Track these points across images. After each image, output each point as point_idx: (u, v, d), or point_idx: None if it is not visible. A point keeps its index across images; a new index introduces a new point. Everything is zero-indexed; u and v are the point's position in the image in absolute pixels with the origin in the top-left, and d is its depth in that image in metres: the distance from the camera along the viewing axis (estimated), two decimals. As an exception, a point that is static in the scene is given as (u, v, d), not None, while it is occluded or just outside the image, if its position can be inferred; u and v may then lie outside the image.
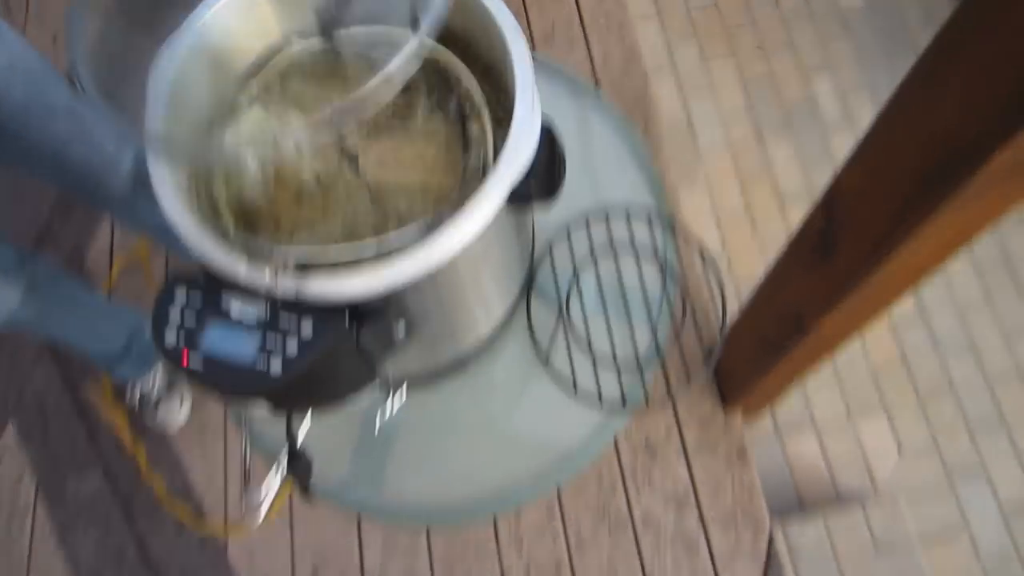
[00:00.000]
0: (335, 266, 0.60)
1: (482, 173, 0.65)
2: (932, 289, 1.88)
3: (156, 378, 1.50)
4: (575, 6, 1.96)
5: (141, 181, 1.21)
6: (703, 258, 0.95)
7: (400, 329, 0.66)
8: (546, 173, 0.71)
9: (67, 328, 1.28)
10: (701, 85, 2.14)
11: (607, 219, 0.94)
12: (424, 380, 0.83)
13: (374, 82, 0.52)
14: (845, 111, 2.09)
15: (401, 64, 0.53)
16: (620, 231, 0.93)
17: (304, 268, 0.62)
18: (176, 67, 0.66)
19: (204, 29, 0.68)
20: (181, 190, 0.63)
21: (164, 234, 1.30)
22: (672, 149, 2.05)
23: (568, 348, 0.85)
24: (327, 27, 0.71)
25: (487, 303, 0.79)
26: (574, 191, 0.98)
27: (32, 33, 2.17)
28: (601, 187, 0.98)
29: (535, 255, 0.91)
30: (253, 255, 0.62)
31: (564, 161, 0.73)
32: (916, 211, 0.71)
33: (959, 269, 1.91)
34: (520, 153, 0.65)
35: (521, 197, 0.68)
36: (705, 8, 2.26)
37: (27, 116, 0.99)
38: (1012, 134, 0.59)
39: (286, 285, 0.57)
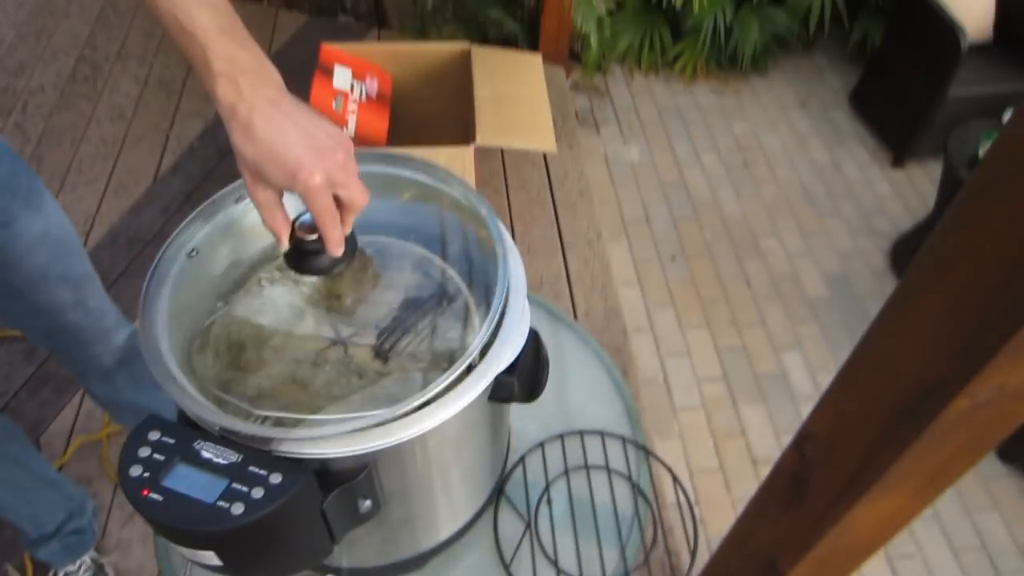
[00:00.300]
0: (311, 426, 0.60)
1: (465, 363, 0.67)
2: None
3: (83, 569, 1.38)
4: (563, 265, 2.12)
5: (130, 356, 1.23)
6: (677, 486, 0.95)
7: (365, 505, 0.65)
8: (530, 373, 0.73)
9: (4, 489, 1.21)
10: (678, 350, 2.25)
11: (582, 438, 0.95)
12: (377, 574, 0.78)
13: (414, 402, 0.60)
14: (815, 384, 2.17)
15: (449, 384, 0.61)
16: (594, 452, 0.94)
17: (280, 423, 0.63)
18: (197, 238, 0.72)
19: (232, 213, 0.74)
20: (172, 348, 0.65)
21: (134, 415, 1.29)
22: (648, 401, 2.10)
23: (533, 560, 0.82)
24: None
25: (455, 499, 0.77)
26: (550, 409, 1.00)
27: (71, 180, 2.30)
28: (576, 409, 1.00)
29: (507, 464, 0.91)
30: (232, 408, 0.63)
31: (548, 364, 0.76)
32: (887, 448, 0.73)
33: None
34: (508, 347, 0.68)
35: (503, 393, 0.70)
36: (682, 280, 2.44)
37: (42, 281, 1.03)
38: (967, 378, 0.63)
39: (260, 438, 0.57)
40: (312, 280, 0.73)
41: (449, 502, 0.77)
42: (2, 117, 2.60)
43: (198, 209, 0.72)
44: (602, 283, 2.03)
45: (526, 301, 0.72)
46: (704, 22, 3.11)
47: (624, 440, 0.96)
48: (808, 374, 2.19)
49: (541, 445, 0.94)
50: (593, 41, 2.71)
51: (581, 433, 0.96)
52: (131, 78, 2.82)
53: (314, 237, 0.64)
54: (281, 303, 0.72)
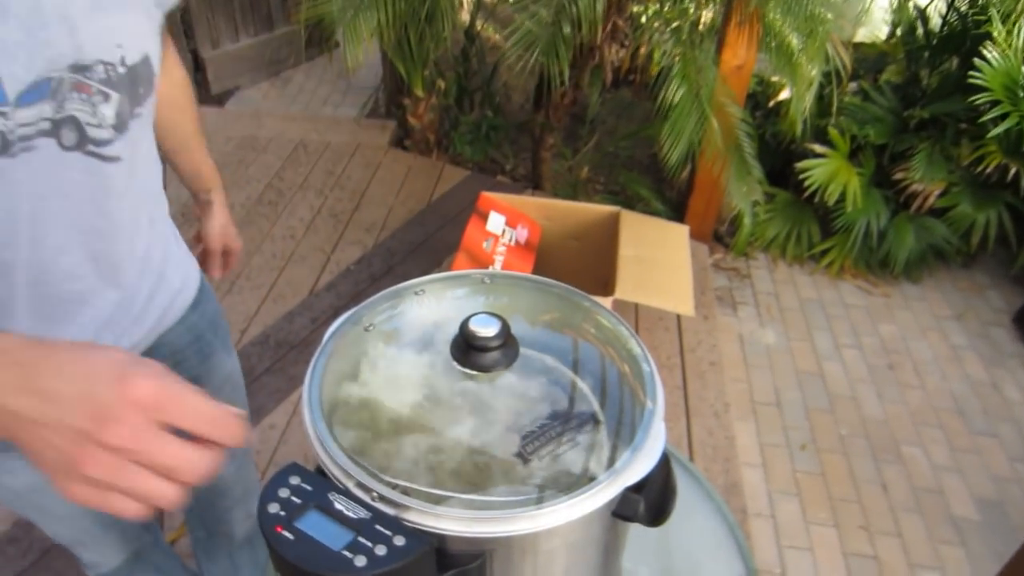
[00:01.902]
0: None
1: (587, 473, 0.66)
2: None
3: None
4: (686, 431, 2.06)
5: (255, 534, 1.29)
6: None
7: (474, 596, 0.63)
8: (657, 495, 0.71)
9: None
10: (800, 544, 2.08)
11: (697, 594, 0.89)
12: None
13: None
14: (957, 618, 1.93)
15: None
16: (708, 614, 0.87)
17: (407, 493, 0.64)
18: (376, 317, 0.78)
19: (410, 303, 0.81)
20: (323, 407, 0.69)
21: None
22: (762, 596, 1.92)
23: None
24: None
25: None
26: (664, 558, 0.95)
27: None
28: (691, 565, 0.94)
29: (615, 604, 0.86)
30: (364, 474, 0.65)
31: (675, 493, 0.73)
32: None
33: None
34: (640, 463, 0.67)
35: (628, 510, 0.68)
36: (811, 473, 2.29)
37: None
38: None
39: (390, 501, 0.59)
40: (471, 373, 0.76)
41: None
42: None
43: (381, 293, 0.79)
44: (725, 456, 1.95)
45: (663, 423, 0.71)
46: (856, 223, 3.11)
47: (742, 606, 0.89)
48: (951, 602, 1.95)
49: (652, 590, 0.89)
50: (747, 221, 2.77)
51: (696, 586, 0.90)
52: (307, 206, 3.14)
53: (486, 334, 0.69)
54: (433, 388, 0.75)
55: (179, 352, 1.11)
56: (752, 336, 2.85)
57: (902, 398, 2.62)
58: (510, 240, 2.16)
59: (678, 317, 2.52)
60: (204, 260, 1.33)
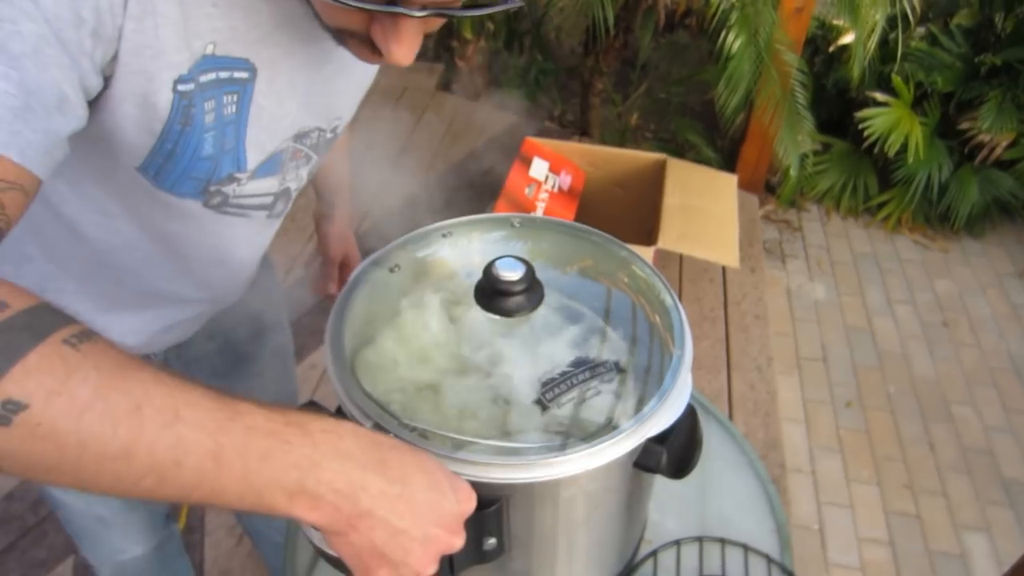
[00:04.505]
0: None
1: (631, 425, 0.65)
2: None
3: None
4: (727, 385, 2.03)
5: None
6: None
7: (489, 542, 0.63)
8: (681, 448, 0.70)
9: None
10: (840, 501, 2.05)
11: (723, 547, 0.88)
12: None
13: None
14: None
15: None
16: (734, 564, 0.86)
17: (424, 436, 0.63)
18: (402, 258, 0.77)
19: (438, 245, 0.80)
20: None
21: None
22: (798, 547, 1.91)
23: (649, 660, 0.75)
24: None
25: (576, 566, 0.73)
26: (692, 508, 0.94)
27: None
28: (720, 514, 0.93)
29: (638, 554, 0.86)
30: (384, 415, 0.65)
31: (701, 445, 0.72)
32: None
33: None
34: (664, 414, 0.66)
35: (650, 461, 0.67)
36: (855, 430, 2.25)
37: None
38: None
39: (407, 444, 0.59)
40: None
41: (570, 568, 0.73)
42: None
43: (407, 235, 0.78)
44: (765, 411, 1.92)
45: (690, 375, 0.70)
46: (917, 175, 2.97)
47: (769, 560, 0.88)
48: (994, 563, 1.91)
49: (677, 543, 0.88)
50: (793, 173, 2.68)
51: (723, 541, 0.89)
52: (351, 148, 3.13)
53: (510, 278, 0.68)
54: (456, 332, 0.74)
55: (232, 330, 1.08)
56: (800, 290, 2.78)
57: (956, 357, 2.53)
58: (553, 186, 2.13)
59: (723, 269, 2.47)
60: (322, 270, 1.25)
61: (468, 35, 3.36)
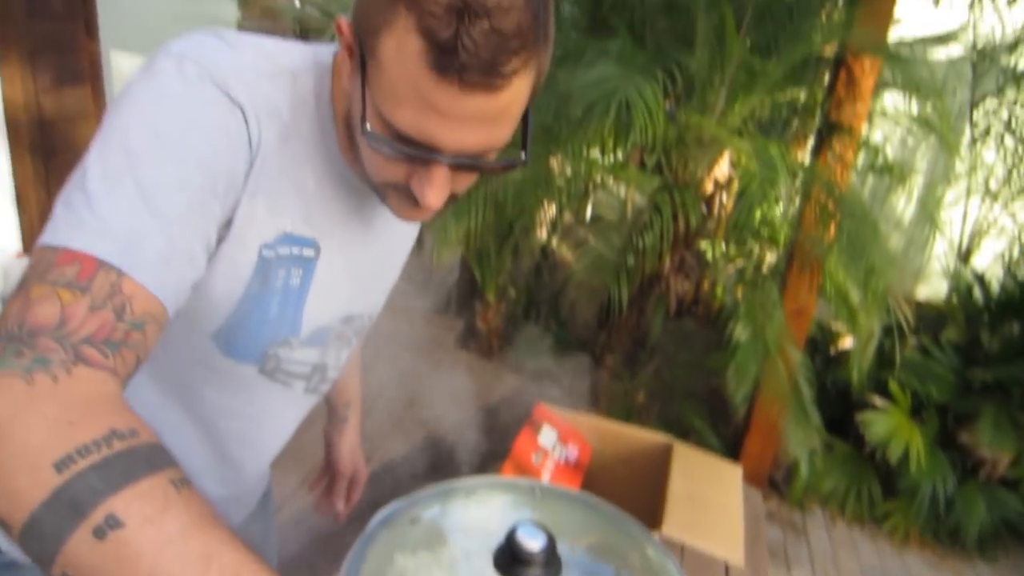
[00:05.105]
0: None
1: None
2: None
3: None
4: None
5: None
6: None
7: None
8: None
9: None
10: None
11: None
12: None
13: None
14: None
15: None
16: None
17: None
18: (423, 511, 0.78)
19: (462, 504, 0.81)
20: None
21: None
22: None
23: None
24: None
25: None
26: None
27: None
28: None
29: None
30: None
31: None
32: None
33: None
34: None
35: None
36: None
37: None
38: None
39: None
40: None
41: None
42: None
43: (431, 488, 0.79)
44: None
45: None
46: (921, 486, 2.96)
47: None
48: None
49: None
50: (803, 469, 2.67)
51: None
52: (365, 395, 3.18)
53: (531, 547, 0.68)
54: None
55: None
56: (806, 598, 2.64)
57: None
58: (560, 457, 2.14)
59: (726, 567, 2.36)
60: (330, 487, 1.24)
61: (491, 298, 3.58)
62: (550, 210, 3.62)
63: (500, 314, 3.71)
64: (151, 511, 0.47)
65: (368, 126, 0.65)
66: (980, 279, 3.43)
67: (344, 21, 0.68)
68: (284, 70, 0.73)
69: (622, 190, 3.64)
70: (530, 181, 2.87)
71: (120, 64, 3.46)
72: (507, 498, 0.86)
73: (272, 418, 0.92)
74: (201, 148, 0.64)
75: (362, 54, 0.64)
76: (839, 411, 3.24)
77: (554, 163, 2.73)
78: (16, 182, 2.87)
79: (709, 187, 3.22)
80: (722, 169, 3.22)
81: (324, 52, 0.78)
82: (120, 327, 0.56)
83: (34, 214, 2.89)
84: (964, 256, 3.88)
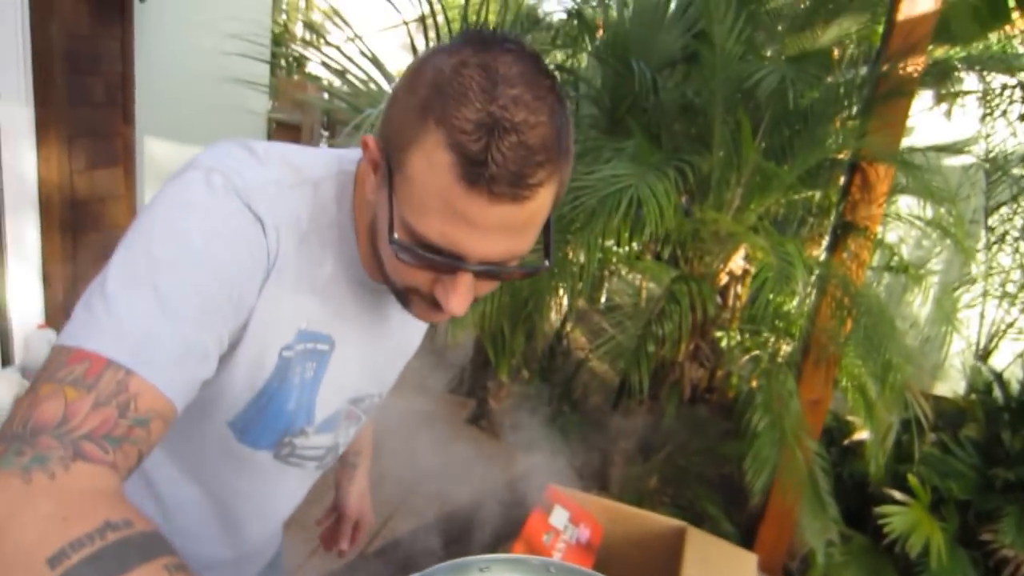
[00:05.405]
0: None
1: None
2: None
3: None
4: None
5: None
6: None
7: None
8: None
9: None
10: None
11: None
12: None
13: None
14: None
15: None
16: None
17: None
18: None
19: None
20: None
21: None
22: None
23: None
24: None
25: None
26: None
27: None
28: None
29: None
30: None
31: None
32: None
33: None
34: None
35: None
36: None
37: None
38: None
39: None
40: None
41: None
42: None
43: (448, 562, 0.82)
44: None
45: None
46: (942, 584, 2.88)
47: None
48: None
49: None
50: (820, 560, 2.62)
51: None
52: (375, 470, 3.18)
53: None
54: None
55: None
56: None
57: None
58: (571, 538, 2.12)
59: (740, 660, 2.30)
60: (336, 527, 1.28)
61: (504, 378, 3.59)
62: (564, 295, 3.68)
63: (512, 394, 3.71)
64: None
65: (396, 235, 0.67)
66: (999, 377, 3.42)
67: (371, 139, 0.72)
68: (307, 180, 0.76)
69: (636, 278, 3.71)
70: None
71: (153, 149, 3.57)
72: (521, 575, 0.87)
73: (284, 493, 0.95)
74: (220, 255, 0.67)
75: (389, 168, 0.67)
76: (855, 503, 3.19)
77: (569, 251, 2.80)
78: (44, 257, 2.95)
79: (723, 278, 3.27)
80: (736, 262, 3.28)
81: (349, 159, 0.82)
82: (122, 423, 0.57)
83: (59, 288, 2.97)
84: (983, 355, 3.86)
